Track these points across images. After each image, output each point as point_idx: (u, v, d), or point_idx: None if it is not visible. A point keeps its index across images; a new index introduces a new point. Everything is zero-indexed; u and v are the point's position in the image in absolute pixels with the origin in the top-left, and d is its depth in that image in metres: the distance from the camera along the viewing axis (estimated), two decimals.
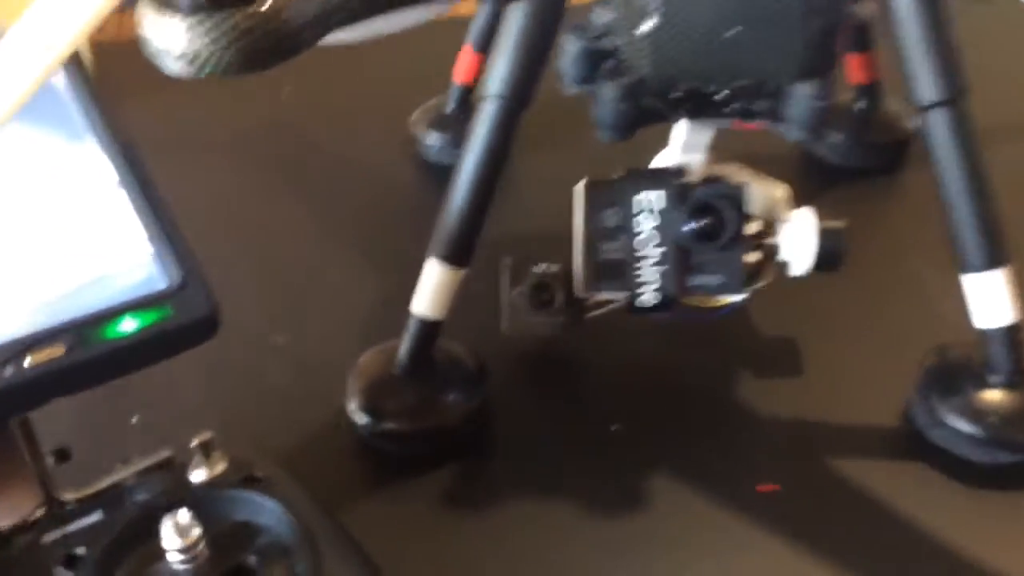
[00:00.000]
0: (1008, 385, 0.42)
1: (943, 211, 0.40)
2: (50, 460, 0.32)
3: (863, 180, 0.59)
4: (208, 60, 0.27)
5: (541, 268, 0.45)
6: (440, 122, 0.61)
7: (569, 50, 0.40)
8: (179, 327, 0.31)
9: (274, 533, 0.30)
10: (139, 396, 0.45)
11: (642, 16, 0.36)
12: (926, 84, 0.38)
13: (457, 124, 0.60)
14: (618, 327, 0.45)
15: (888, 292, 0.51)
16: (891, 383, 0.45)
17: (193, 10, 0.27)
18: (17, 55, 0.25)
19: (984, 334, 0.41)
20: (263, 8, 0.27)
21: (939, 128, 0.39)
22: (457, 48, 0.59)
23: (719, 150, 0.44)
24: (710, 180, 0.43)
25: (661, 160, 0.46)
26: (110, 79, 0.63)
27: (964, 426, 0.42)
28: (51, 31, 0.25)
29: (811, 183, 0.60)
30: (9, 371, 0.29)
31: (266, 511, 0.30)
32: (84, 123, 0.33)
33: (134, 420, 0.44)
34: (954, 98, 0.38)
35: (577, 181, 0.42)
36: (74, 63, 0.34)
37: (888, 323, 0.49)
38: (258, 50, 0.28)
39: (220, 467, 0.31)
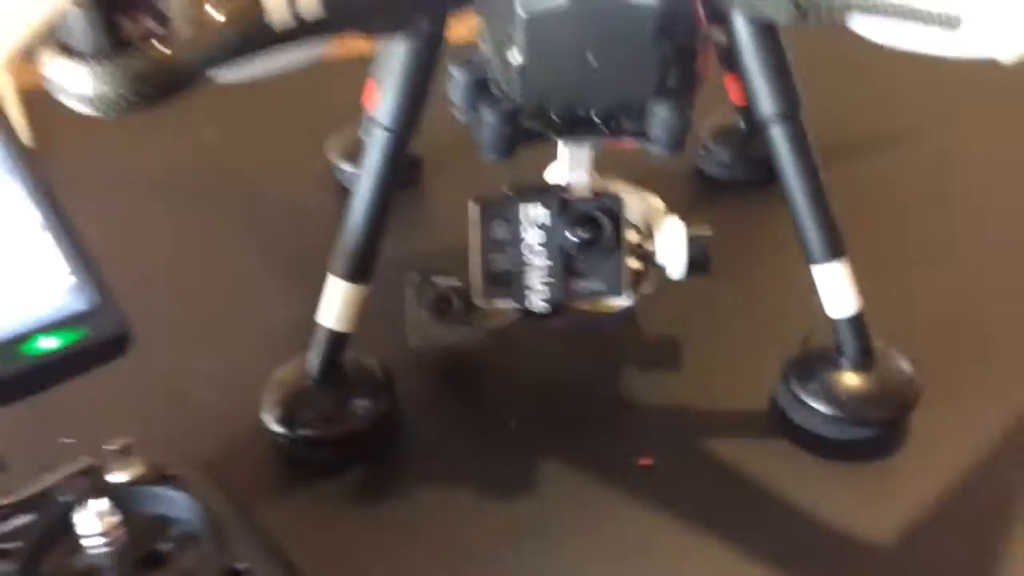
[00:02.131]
0: (857, 367, 0.46)
1: (789, 211, 0.45)
2: None
3: (748, 192, 0.64)
4: (107, 100, 0.31)
5: (441, 281, 0.50)
6: (353, 149, 0.64)
7: (456, 81, 0.44)
8: (95, 344, 0.34)
9: (186, 523, 0.34)
10: (71, 418, 0.48)
11: (509, 48, 0.40)
12: (765, 100, 0.43)
13: None
14: (518, 335, 0.50)
15: (765, 291, 0.56)
16: (762, 371, 0.50)
17: (92, 55, 0.31)
18: None
19: (834, 322, 0.46)
20: (154, 51, 0.31)
21: (779, 139, 0.43)
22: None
23: (610, 166, 0.49)
24: (593, 194, 0.47)
25: (549, 174, 0.50)
26: (40, 124, 0.66)
27: (820, 406, 0.46)
28: None
29: (700, 196, 0.65)
30: None
31: (177, 504, 0.34)
32: (8, 168, 0.37)
33: (67, 440, 0.47)
34: (790, 111, 0.43)
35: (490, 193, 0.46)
36: None
37: (764, 319, 0.54)
38: (151, 89, 0.31)
39: (137, 469, 0.35)
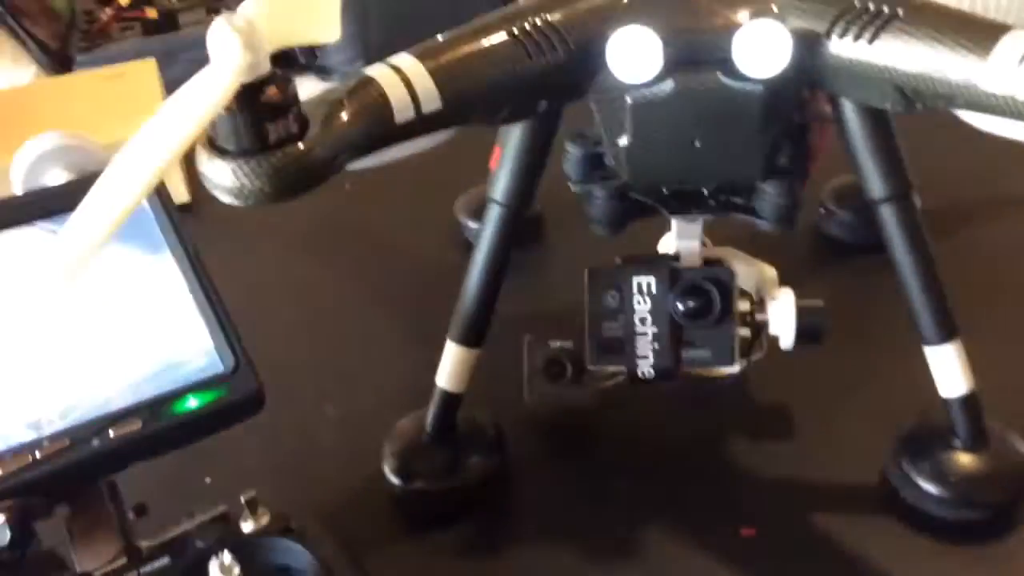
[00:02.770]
0: (970, 448, 0.46)
1: (900, 292, 0.45)
2: (131, 514, 0.40)
3: (869, 255, 0.63)
4: (251, 193, 0.35)
5: (556, 344, 0.52)
6: (480, 208, 0.67)
7: (570, 155, 0.46)
8: (232, 404, 0.38)
9: (305, 574, 0.37)
10: (213, 460, 0.52)
11: (619, 132, 0.42)
12: (875, 183, 0.43)
13: None
14: (630, 397, 0.51)
15: (882, 361, 0.55)
16: (875, 445, 0.49)
17: (238, 154, 0.34)
18: (129, 165, 0.32)
19: (946, 402, 0.46)
20: (293, 150, 0.35)
21: (889, 221, 0.44)
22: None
23: (728, 228, 0.49)
24: (706, 263, 0.49)
25: (663, 244, 0.52)
26: (198, 179, 0.72)
27: (930, 486, 0.46)
28: (159, 144, 0.32)
29: (819, 258, 0.65)
30: (96, 442, 0.36)
31: (297, 555, 0.37)
32: (164, 240, 0.41)
33: (208, 480, 0.51)
34: (900, 194, 0.43)
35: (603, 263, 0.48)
36: (157, 191, 0.42)
37: (880, 390, 0.54)
38: (290, 184, 0.35)
39: (264, 520, 0.38)
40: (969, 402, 0.45)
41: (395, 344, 0.60)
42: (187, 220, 0.69)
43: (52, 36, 1.64)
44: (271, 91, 0.34)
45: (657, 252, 0.51)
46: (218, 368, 0.39)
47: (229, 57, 0.33)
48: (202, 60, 0.34)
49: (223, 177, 0.35)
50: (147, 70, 0.79)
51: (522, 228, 0.61)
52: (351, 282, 0.66)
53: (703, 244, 0.51)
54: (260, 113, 0.34)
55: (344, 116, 0.36)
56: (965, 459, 0.46)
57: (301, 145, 0.35)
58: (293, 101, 0.35)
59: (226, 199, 0.35)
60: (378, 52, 0.37)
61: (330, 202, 0.72)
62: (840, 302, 0.57)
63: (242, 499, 0.39)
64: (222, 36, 0.33)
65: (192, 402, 0.38)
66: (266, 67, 0.34)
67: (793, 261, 0.55)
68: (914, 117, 0.41)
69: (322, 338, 0.62)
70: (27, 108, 0.79)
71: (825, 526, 0.47)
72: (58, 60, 1.63)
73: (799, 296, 0.48)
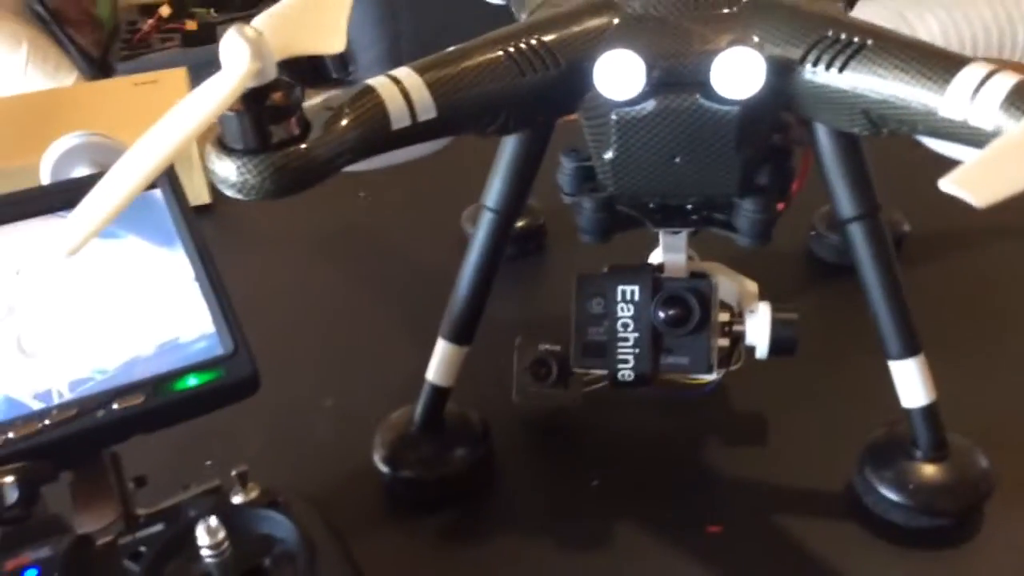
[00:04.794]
0: (930, 459, 0.48)
1: (867, 308, 0.47)
2: (131, 484, 0.43)
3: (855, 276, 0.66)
4: (254, 189, 0.38)
5: (544, 347, 0.54)
6: None
7: (564, 168, 0.49)
8: (229, 384, 0.41)
9: (287, 544, 0.39)
10: (215, 442, 0.55)
11: (605, 146, 0.45)
12: (844, 203, 0.46)
13: None
14: (611, 400, 0.53)
15: (858, 375, 0.57)
16: (844, 455, 0.51)
17: (244, 153, 0.37)
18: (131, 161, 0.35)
19: (908, 413, 0.48)
20: (294, 150, 0.38)
21: (857, 239, 0.46)
22: None
23: (720, 245, 0.51)
24: (691, 275, 0.51)
25: (653, 257, 0.55)
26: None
27: (891, 494, 0.48)
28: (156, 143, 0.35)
29: (808, 278, 0.67)
30: (101, 413, 0.39)
31: (281, 525, 0.40)
32: (175, 234, 0.44)
33: (208, 463, 0.54)
34: (868, 213, 0.46)
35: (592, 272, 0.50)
36: (172, 184, 0.45)
37: (853, 402, 0.56)
38: (289, 182, 0.38)
39: (253, 493, 0.41)
40: (928, 413, 0.47)
41: (396, 343, 0.63)
42: (206, 220, 0.73)
43: (94, 44, 1.69)
44: (276, 96, 0.37)
45: (644, 263, 0.54)
46: (217, 351, 0.42)
47: (237, 63, 0.36)
48: None
49: (228, 173, 0.38)
50: (178, 78, 0.83)
51: (526, 238, 0.64)
52: (358, 284, 0.69)
53: (690, 258, 0.54)
54: (265, 115, 0.37)
55: (344, 121, 0.39)
56: (925, 469, 0.48)
57: (302, 146, 0.38)
58: (297, 105, 0.38)
59: (231, 193, 0.38)
60: None
61: (343, 209, 0.76)
62: (822, 317, 0.60)
63: (233, 473, 0.41)
64: (233, 44, 0.36)
65: (192, 381, 0.41)
66: (272, 74, 0.37)
67: (782, 279, 0.57)
68: (901, 147, 0.43)
69: (327, 334, 0.65)
70: (64, 109, 0.82)
71: (789, 527, 0.49)
72: (99, 67, 1.67)
73: (781, 310, 0.50)
